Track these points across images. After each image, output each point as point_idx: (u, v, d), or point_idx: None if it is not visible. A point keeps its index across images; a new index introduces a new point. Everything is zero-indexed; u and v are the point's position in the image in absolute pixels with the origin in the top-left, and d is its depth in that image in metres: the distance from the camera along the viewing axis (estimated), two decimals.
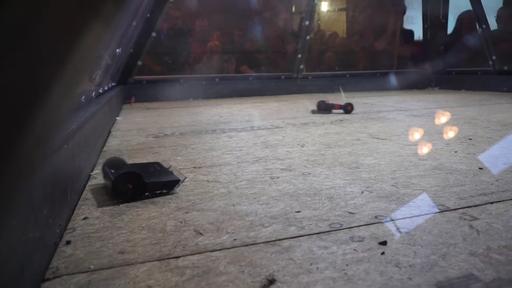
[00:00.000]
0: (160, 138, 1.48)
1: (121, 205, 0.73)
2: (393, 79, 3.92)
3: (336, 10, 4.51)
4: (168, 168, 0.86)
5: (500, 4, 3.63)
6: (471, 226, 0.59)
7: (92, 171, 1.00)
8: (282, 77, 3.67)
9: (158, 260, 0.52)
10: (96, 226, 0.64)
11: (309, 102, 2.81)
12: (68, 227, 0.64)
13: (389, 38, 4.20)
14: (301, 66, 3.65)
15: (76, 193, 0.78)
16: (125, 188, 0.75)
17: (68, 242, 0.58)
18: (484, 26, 3.47)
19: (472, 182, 0.82)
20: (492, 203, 0.69)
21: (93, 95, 1.67)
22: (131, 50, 3.06)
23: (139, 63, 3.19)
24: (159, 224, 0.64)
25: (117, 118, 2.16)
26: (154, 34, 3.18)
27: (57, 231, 0.59)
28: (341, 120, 1.80)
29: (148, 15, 3.03)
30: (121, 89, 2.99)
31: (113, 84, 2.75)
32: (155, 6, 3.03)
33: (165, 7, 3.18)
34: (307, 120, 1.85)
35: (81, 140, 0.88)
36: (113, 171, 0.81)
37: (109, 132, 1.65)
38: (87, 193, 0.82)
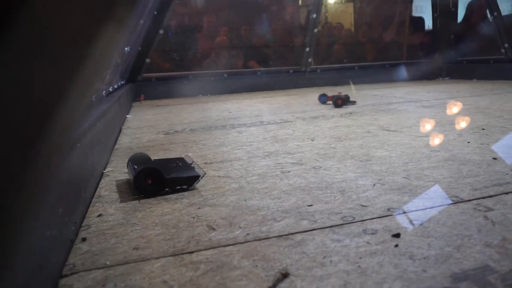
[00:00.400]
0: (170, 135, 1.49)
1: (134, 202, 0.74)
2: (402, 70, 3.87)
3: (343, 1, 4.46)
4: (191, 163, 0.87)
5: None
6: (486, 217, 0.59)
7: (104, 169, 1.01)
8: (291, 71, 3.65)
9: (172, 255, 0.53)
10: (110, 223, 0.65)
11: (317, 95, 2.80)
12: (83, 224, 0.65)
13: (396, 28, 4.15)
14: (310, 59, 3.63)
15: (90, 191, 0.79)
16: (145, 184, 0.76)
17: (83, 239, 0.59)
18: (495, 13, 3.40)
19: (486, 172, 0.81)
20: (507, 193, 0.68)
21: (104, 94, 1.68)
22: (139, 48, 3.08)
23: (148, 60, 3.21)
24: (172, 220, 0.65)
25: (127, 116, 2.17)
26: (161, 31, 3.19)
27: (73, 228, 0.60)
28: (351, 113, 1.79)
29: (155, 12, 3.04)
30: (131, 87, 3.01)
31: (122, 82, 2.77)
32: (162, 3, 3.03)
33: (172, 4, 3.18)
34: (317, 113, 1.85)
35: (93, 138, 0.89)
36: (135, 167, 0.82)
37: (120, 130, 1.67)
38: (100, 191, 0.83)
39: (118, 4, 0.21)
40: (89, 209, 0.72)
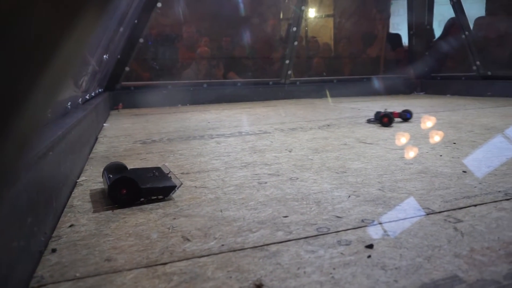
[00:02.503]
0: (147, 144, 1.47)
1: (108, 212, 0.73)
2: (379, 84, 3.97)
3: (323, 16, 4.56)
4: (168, 173, 0.85)
5: (481, 12, 3.72)
6: (455, 229, 0.60)
7: (78, 178, 0.99)
8: (270, 82, 3.69)
9: (145, 267, 0.52)
10: (82, 233, 0.63)
11: (296, 107, 2.83)
12: (53, 235, 0.63)
13: (380, 44, 4.27)
14: (289, 72, 3.67)
15: (62, 201, 0.77)
16: (120, 194, 0.75)
17: (53, 250, 0.57)
18: (467, 32, 3.54)
19: (457, 185, 0.83)
20: (475, 205, 0.70)
21: (80, 101, 1.65)
22: (119, 56, 3.05)
23: (127, 69, 3.18)
24: (147, 230, 0.64)
25: (104, 124, 2.14)
26: (141, 40, 3.18)
27: (42, 239, 0.58)
28: (328, 125, 1.82)
29: (136, 21, 3.03)
30: (109, 95, 2.97)
31: (100, 90, 2.73)
32: (142, 12, 3.02)
33: (152, 13, 3.18)
34: (295, 125, 1.87)
35: (67, 146, 0.87)
36: (111, 176, 0.81)
37: (96, 138, 1.64)
38: (73, 200, 0.81)
39: (85, 8, 0.21)
40: (61, 219, 0.70)
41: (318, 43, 4.23)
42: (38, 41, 0.19)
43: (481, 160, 1.05)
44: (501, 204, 0.70)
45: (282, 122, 2.01)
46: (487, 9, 3.76)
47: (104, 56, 2.09)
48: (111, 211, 0.73)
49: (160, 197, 0.79)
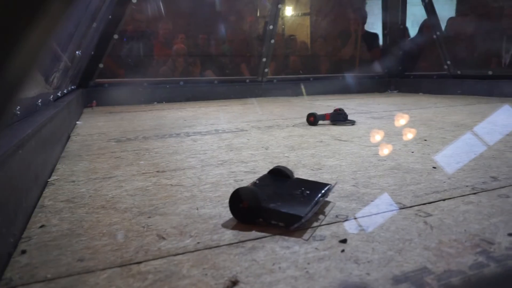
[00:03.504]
0: (122, 142, 1.45)
1: (81, 212, 0.71)
2: (355, 83, 4.04)
3: (300, 14, 4.60)
4: (322, 196, 0.69)
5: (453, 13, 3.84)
6: (425, 222, 0.62)
7: (49, 177, 0.96)
8: (247, 80, 3.69)
9: (119, 266, 0.51)
10: (53, 234, 0.62)
11: (272, 105, 2.84)
12: (23, 236, 0.61)
13: (353, 45, 4.33)
14: (266, 70, 3.68)
15: (32, 200, 0.75)
16: (240, 206, 0.64)
17: (23, 252, 0.55)
18: (438, 32, 3.65)
19: (427, 180, 0.86)
20: (444, 200, 0.73)
21: (51, 99, 1.61)
22: (92, 53, 2.97)
23: (101, 65, 3.11)
24: (121, 229, 0.63)
25: (77, 122, 2.09)
26: (116, 36, 3.11)
27: (11, 240, 0.56)
28: (304, 123, 1.84)
29: (110, 16, 2.96)
30: (82, 92, 2.89)
31: (73, 87, 2.66)
32: (116, 7, 2.96)
33: (127, 9, 3.12)
34: (272, 123, 1.88)
35: (37, 144, 0.85)
36: (257, 181, 0.72)
37: (69, 136, 1.60)
38: (44, 200, 0.79)
39: (48, 3, 0.20)
40: (31, 220, 0.68)
41: (295, 41, 4.26)
42: None
43: (451, 156, 1.09)
44: (468, 198, 0.73)
45: (259, 120, 2.01)
46: (457, 10, 3.88)
47: (77, 52, 2.03)
48: (84, 212, 0.72)
49: (281, 224, 0.62)
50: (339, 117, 1.80)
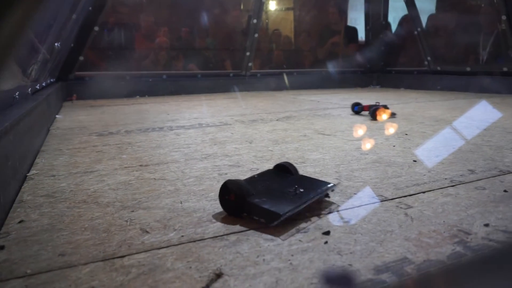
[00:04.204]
0: (104, 136, 1.42)
1: (61, 206, 0.70)
2: (337, 78, 4.07)
3: (283, 9, 4.59)
4: (317, 195, 0.67)
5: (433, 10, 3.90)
6: (406, 214, 0.64)
7: (28, 172, 0.94)
8: (231, 74, 3.67)
9: (102, 260, 0.50)
10: (33, 229, 0.61)
11: (256, 99, 2.84)
12: (1, 231, 0.60)
13: (339, 38, 4.36)
14: (250, 64, 3.67)
15: (11, 196, 0.73)
16: (227, 198, 0.64)
17: (1, 248, 0.54)
18: (419, 29, 3.70)
19: (408, 173, 0.88)
20: (424, 192, 0.75)
21: (29, 92, 1.57)
22: (72, 45, 2.91)
23: (81, 58, 3.04)
24: (103, 224, 0.62)
25: (57, 116, 2.04)
26: (97, 28, 3.05)
27: None
28: (288, 117, 1.84)
29: (90, 8, 2.89)
30: (62, 85, 2.83)
31: (52, 80, 2.60)
32: None
33: (108, 1, 3.05)
34: (256, 117, 1.88)
35: (15, 138, 0.83)
36: (256, 176, 0.71)
37: (48, 130, 1.56)
38: (23, 195, 0.77)
39: None
40: (9, 215, 0.67)
41: (279, 35, 4.26)
42: None
43: (431, 150, 1.11)
44: (447, 190, 0.75)
45: (243, 114, 2.01)
46: (437, 7, 3.95)
47: (56, 44, 1.98)
48: (66, 206, 0.71)
49: (262, 220, 0.61)
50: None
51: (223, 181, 0.65)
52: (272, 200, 0.62)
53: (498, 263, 0.20)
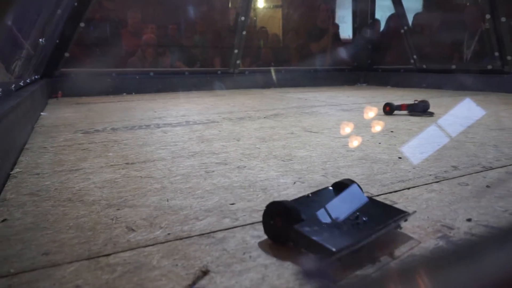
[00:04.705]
0: (90, 134, 1.41)
1: (45, 205, 0.69)
2: (325, 75, 4.09)
3: (272, 7, 4.59)
4: (387, 227, 0.52)
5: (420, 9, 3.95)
6: None
7: (12, 170, 0.92)
8: (219, 72, 3.66)
9: (87, 259, 0.50)
10: (16, 228, 0.60)
11: (244, 97, 2.84)
12: None
13: (327, 36, 4.38)
14: (238, 61, 3.67)
15: None
16: (273, 222, 0.54)
17: None
18: (406, 27, 3.74)
19: (393, 170, 0.89)
20: (409, 188, 0.76)
21: (13, 88, 1.54)
22: (57, 41, 2.86)
23: (66, 54, 3.00)
24: (89, 222, 0.62)
25: (42, 113, 2.01)
26: (82, 24, 3.00)
27: None
28: (276, 115, 1.85)
29: (75, 3, 2.85)
30: (47, 82, 2.78)
31: (36, 76, 2.55)
32: None
33: None
34: (243, 114, 1.88)
35: None
36: (310, 195, 0.60)
37: (33, 128, 1.54)
38: (6, 194, 0.76)
39: None
40: None
41: (265, 33, 4.26)
42: None
43: (416, 147, 1.12)
44: (431, 186, 0.76)
45: (231, 111, 2.01)
46: (424, 6, 3.99)
47: (40, 39, 1.95)
48: (51, 205, 0.70)
49: (313, 255, 0.49)
50: (416, 108, 1.75)
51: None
52: (325, 230, 0.50)
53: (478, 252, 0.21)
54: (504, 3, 2.87)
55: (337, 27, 4.52)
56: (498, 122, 1.54)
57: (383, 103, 1.87)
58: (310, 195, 0.60)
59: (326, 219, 0.53)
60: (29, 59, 1.83)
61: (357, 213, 0.54)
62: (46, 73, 2.90)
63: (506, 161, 0.95)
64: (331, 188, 0.63)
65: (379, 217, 0.53)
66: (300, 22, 4.44)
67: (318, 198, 0.59)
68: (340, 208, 0.55)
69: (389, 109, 1.81)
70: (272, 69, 3.90)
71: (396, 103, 1.86)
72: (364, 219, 0.53)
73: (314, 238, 0.48)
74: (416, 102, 1.79)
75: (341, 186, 0.61)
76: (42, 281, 0.45)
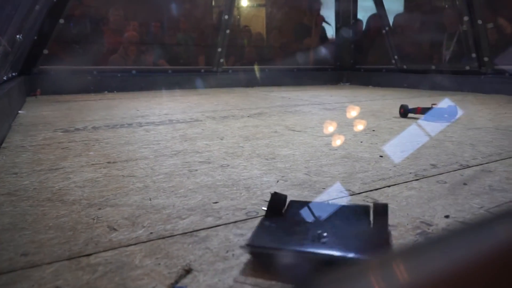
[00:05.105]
0: (70, 132, 1.38)
1: (23, 205, 0.68)
2: (308, 75, 4.12)
3: (255, 5, 4.59)
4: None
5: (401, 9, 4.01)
6: None
7: None
8: (202, 70, 3.64)
9: (67, 259, 0.49)
10: None
11: (228, 95, 2.84)
12: None
13: (310, 36, 4.41)
14: (221, 60, 3.66)
15: None
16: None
17: None
18: (387, 28, 3.80)
19: (374, 168, 0.90)
20: (389, 186, 0.77)
21: None
22: (35, 37, 2.79)
23: (45, 51, 2.93)
24: (69, 222, 0.60)
25: (19, 111, 1.96)
26: (62, 21, 2.94)
27: None
28: (259, 114, 1.85)
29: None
30: (25, 79, 2.71)
31: (14, 74, 2.49)
32: None
33: None
34: (227, 113, 1.87)
35: None
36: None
37: (10, 126, 1.50)
38: None
39: None
40: None
41: (248, 32, 4.26)
42: None
43: (397, 146, 1.15)
44: (411, 184, 0.78)
45: (214, 110, 2.00)
46: (405, 7, 4.06)
47: (17, 36, 1.90)
48: (29, 205, 0.68)
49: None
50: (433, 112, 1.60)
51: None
52: (275, 232, 0.50)
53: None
54: (480, 6, 2.95)
55: (324, 29, 4.56)
56: (475, 122, 1.58)
57: (364, 102, 1.90)
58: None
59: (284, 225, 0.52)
60: (5, 56, 1.79)
61: (320, 231, 0.49)
62: (24, 70, 2.83)
63: (482, 159, 0.98)
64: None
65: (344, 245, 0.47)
66: (284, 21, 4.46)
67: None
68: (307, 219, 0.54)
69: (403, 111, 1.70)
70: (256, 68, 3.91)
71: (411, 106, 1.74)
72: (324, 235, 0.48)
73: (254, 231, 0.51)
74: (434, 106, 1.65)
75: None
76: (21, 283, 0.44)
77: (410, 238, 0.54)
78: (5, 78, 2.00)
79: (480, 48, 3.00)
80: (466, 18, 3.03)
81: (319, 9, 4.49)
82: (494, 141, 1.20)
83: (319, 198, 0.71)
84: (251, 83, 3.75)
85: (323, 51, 4.43)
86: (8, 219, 0.62)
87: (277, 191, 0.73)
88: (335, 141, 1.22)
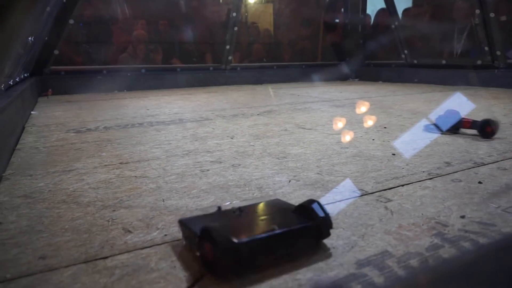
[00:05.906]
0: (82, 133, 1.39)
1: (40, 207, 0.69)
2: (317, 71, 4.10)
3: (263, 2, 4.57)
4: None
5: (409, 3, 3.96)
6: (386, 208, 0.65)
7: (4, 172, 0.91)
8: (211, 68, 3.65)
9: (84, 262, 0.50)
10: (11, 231, 0.59)
11: (237, 93, 2.83)
12: None
13: (319, 32, 4.38)
14: (230, 57, 3.65)
15: None
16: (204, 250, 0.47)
17: None
18: (396, 22, 3.76)
19: (387, 167, 0.89)
20: (403, 185, 0.76)
21: (2, 88, 1.52)
22: (46, 38, 2.82)
23: (56, 52, 2.96)
24: (84, 224, 0.61)
25: (32, 112, 1.98)
26: (72, 21, 2.96)
27: None
28: (269, 111, 1.85)
29: (64, 0, 2.81)
30: (36, 80, 2.75)
31: (26, 75, 2.52)
32: None
33: None
34: (236, 111, 1.87)
35: None
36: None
37: (23, 128, 1.52)
38: None
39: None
40: None
41: (256, 28, 4.25)
42: None
43: (409, 143, 1.13)
44: (425, 183, 0.77)
45: (223, 108, 2.00)
46: (413, 1, 4.01)
47: (29, 38, 1.92)
48: (45, 207, 0.69)
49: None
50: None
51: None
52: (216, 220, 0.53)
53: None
54: None
55: (334, 25, 4.53)
56: (488, 117, 1.55)
57: (375, 98, 1.88)
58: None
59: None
60: (18, 58, 1.81)
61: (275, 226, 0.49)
62: (36, 71, 2.87)
63: (498, 156, 0.96)
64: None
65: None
66: (292, 17, 4.43)
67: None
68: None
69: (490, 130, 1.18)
70: (264, 65, 3.90)
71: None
72: (276, 229, 0.48)
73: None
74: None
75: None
76: (40, 286, 0.45)
77: (426, 239, 0.53)
78: (17, 79, 2.03)
79: (493, 42, 2.95)
80: (477, 11, 2.98)
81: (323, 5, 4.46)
82: (508, 137, 1.18)
83: (332, 198, 0.70)
84: (259, 80, 3.75)
85: (331, 47, 4.40)
86: (26, 222, 0.62)
87: (289, 191, 0.73)
88: (346, 139, 1.21)
